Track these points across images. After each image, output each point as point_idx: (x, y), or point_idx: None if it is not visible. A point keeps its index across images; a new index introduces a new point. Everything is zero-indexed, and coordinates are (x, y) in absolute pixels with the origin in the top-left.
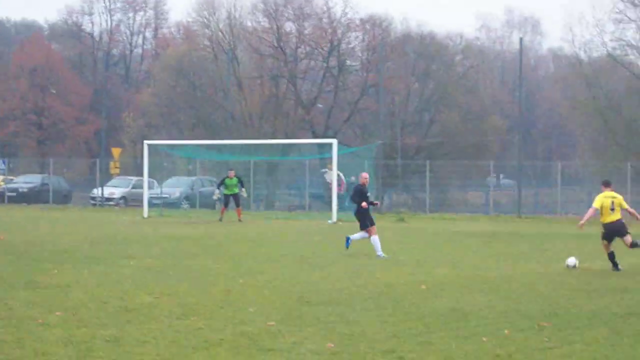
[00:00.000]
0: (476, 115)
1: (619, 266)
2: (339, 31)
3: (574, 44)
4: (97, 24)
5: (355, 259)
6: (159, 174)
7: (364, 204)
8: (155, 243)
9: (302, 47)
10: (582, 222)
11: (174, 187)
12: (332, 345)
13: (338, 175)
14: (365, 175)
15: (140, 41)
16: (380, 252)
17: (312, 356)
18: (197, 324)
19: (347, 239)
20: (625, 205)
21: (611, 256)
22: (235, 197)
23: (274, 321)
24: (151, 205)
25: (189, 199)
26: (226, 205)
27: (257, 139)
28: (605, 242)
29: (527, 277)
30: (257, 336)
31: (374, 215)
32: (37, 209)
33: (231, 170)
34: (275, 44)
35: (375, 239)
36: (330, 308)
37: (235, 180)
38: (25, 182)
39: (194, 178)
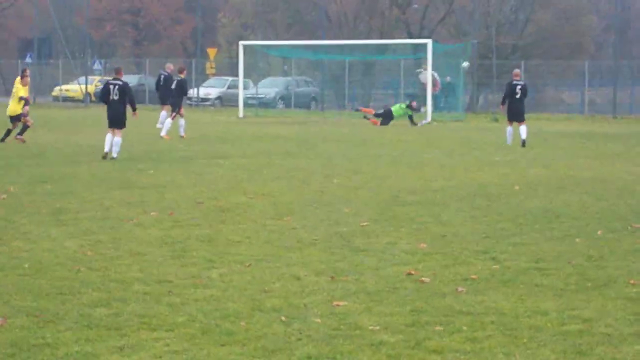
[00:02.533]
0: (572, 14)
1: None
2: None
3: None
4: None
5: (450, 159)
6: (254, 74)
7: None
8: (249, 143)
9: None
10: None
11: (270, 87)
12: (425, 245)
13: (433, 75)
14: None
15: None
16: None
17: (405, 256)
18: (291, 224)
19: None
20: None
21: None
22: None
23: (368, 221)
24: (247, 105)
25: (284, 99)
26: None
27: (352, 39)
28: None
29: (621, 178)
30: (351, 236)
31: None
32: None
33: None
34: None
35: None
36: (424, 208)
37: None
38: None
39: (289, 78)
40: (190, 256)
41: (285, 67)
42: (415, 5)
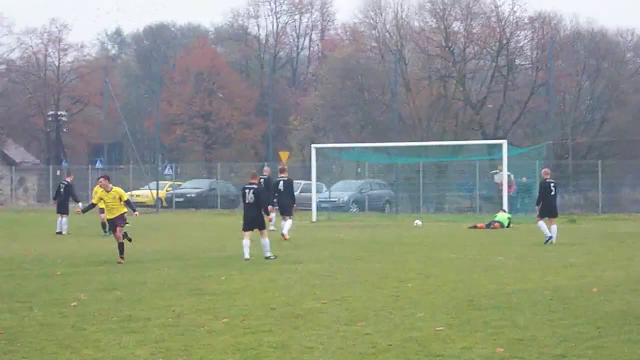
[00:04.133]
0: None
1: None
2: (508, 30)
3: None
4: (263, 26)
5: (524, 262)
6: (327, 177)
7: None
8: (322, 247)
9: (470, 46)
10: None
11: (342, 190)
12: (502, 350)
13: (508, 176)
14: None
15: (306, 43)
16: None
17: None
18: (365, 330)
19: None
20: None
21: None
22: None
23: (443, 326)
24: (320, 209)
25: (358, 202)
26: None
27: (426, 141)
28: None
29: None
30: (426, 341)
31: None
32: (204, 214)
33: None
34: (443, 44)
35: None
36: (500, 312)
37: None
38: (192, 187)
39: (362, 181)
40: None
41: (359, 170)
42: (490, 106)
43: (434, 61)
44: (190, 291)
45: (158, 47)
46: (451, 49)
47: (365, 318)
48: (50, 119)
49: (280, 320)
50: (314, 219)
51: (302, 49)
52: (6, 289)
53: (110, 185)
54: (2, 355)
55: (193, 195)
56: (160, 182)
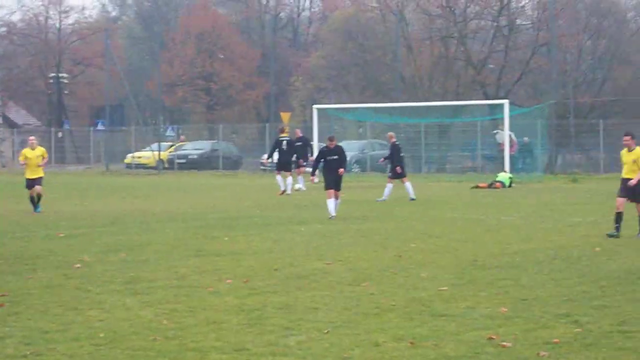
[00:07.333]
0: None
1: None
2: None
3: None
4: None
5: (528, 221)
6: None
7: None
8: (325, 208)
9: (472, 6)
10: None
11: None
12: (506, 309)
13: (510, 136)
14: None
15: (307, 4)
16: None
17: (485, 321)
18: (369, 290)
19: None
20: None
21: None
22: None
23: (446, 286)
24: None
25: (360, 162)
26: None
27: (427, 101)
28: None
29: None
30: (429, 301)
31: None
32: (207, 175)
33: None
34: (444, 4)
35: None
36: (504, 272)
37: None
38: (194, 148)
39: (364, 141)
40: (267, 324)
41: (360, 130)
42: (491, 66)
43: (435, 21)
44: (194, 252)
45: (159, 8)
46: (452, 9)
47: (368, 278)
48: (51, 81)
49: (284, 281)
50: (316, 180)
51: (303, 9)
52: (10, 251)
53: None
54: (6, 317)
55: (195, 156)
56: (162, 143)
